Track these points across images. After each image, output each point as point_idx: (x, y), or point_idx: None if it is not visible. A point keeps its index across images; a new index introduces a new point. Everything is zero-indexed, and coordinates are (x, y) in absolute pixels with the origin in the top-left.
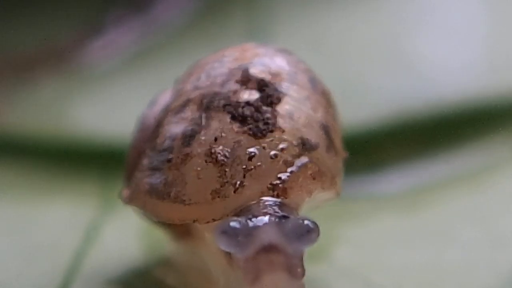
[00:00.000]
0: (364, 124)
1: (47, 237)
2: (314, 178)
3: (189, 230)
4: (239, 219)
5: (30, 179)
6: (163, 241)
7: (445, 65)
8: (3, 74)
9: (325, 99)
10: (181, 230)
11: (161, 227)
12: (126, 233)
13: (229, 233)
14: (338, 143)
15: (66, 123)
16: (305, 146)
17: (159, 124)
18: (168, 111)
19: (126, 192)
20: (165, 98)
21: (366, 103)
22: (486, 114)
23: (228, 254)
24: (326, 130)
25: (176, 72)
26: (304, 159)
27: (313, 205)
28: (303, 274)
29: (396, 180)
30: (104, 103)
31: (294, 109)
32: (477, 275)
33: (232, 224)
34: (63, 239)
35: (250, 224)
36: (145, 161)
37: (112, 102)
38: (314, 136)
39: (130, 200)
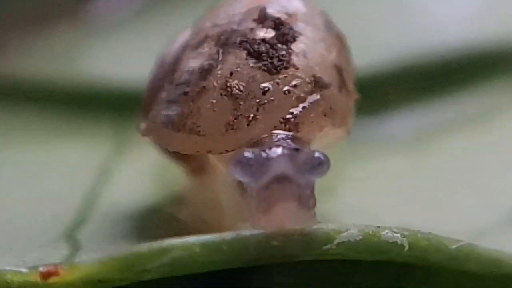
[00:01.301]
0: (369, 69)
1: (61, 177)
2: (325, 115)
3: (203, 164)
4: (253, 150)
5: (44, 123)
6: (175, 180)
7: (447, 14)
8: (19, 26)
9: (339, 41)
10: (195, 165)
11: (176, 161)
12: (138, 174)
13: (243, 163)
14: (351, 84)
15: (79, 70)
16: (317, 84)
17: (177, 59)
18: (187, 47)
19: (143, 125)
20: (184, 36)
21: (370, 49)
22: (487, 59)
23: (241, 186)
24: (338, 70)
25: (185, 21)
26: (316, 96)
27: (324, 143)
28: (313, 204)
29: (400, 123)
30: (116, 50)
31: (309, 48)
32: (482, 211)
33: (247, 154)
34: (78, 180)
35: (264, 155)
36: (163, 95)
37: (124, 49)
38: (327, 75)
39: (147, 132)
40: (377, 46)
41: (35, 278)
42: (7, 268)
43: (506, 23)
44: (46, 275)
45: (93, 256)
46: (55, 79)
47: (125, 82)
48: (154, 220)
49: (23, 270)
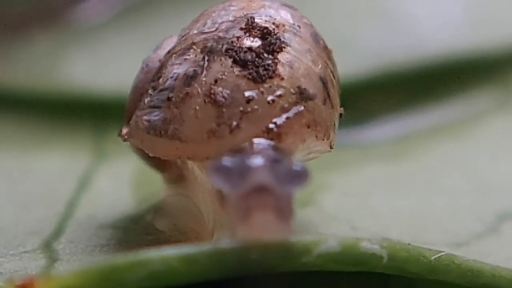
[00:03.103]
0: (351, 76)
1: (41, 186)
2: (308, 127)
3: (183, 172)
4: (234, 157)
5: (25, 131)
6: (154, 190)
7: (430, 21)
8: None
9: (326, 54)
10: (175, 173)
11: (156, 168)
12: (118, 183)
13: (222, 170)
14: (335, 98)
15: (59, 77)
16: (302, 95)
17: (162, 65)
18: (172, 54)
19: (125, 130)
20: (170, 42)
21: (353, 56)
22: (470, 67)
23: (220, 194)
24: (324, 83)
25: (168, 26)
26: (300, 107)
27: (306, 156)
28: (292, 216)
29: (382, 130)
30: (97, 57)
31: (295, 59)
32: (462, 221)
33: (226, 161)
34: (57, 188)
35: (244, 163)
36: (146, 100)
37: (104, 56)
38: (312, 86)
39: (128, 137)
40: (359, 53)
41: None
42: None
43: (490, 30)
44: (22, 287)
45: (69, 267)
46: (34, 86)
47: (106, 89)
48: (133, 230)
49: None
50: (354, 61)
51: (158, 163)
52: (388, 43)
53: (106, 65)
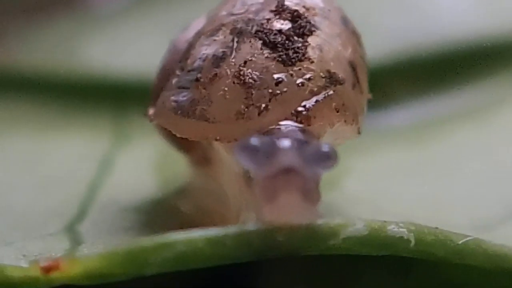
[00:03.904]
0: (371, 59)
1: (62, 169)
2: (337, 111)
3: (208, 154)
4: (261, 137)
5: (45, 114)
6: (178, 172)
7: (451, 6)
8: (17, 15)
9: (355, 39)
10: (200, 154)
11: (181, 150)
12: (140, 166)
13: (249, 150)
14: (364, 83)
15: (79, 60)
16: (331, 79)
17: (190, 46)
18: (201, 35)
19: (151, 110)
20: (198, 23)
21: (373, 40)
22: (491, 51)
23: (247, 176)
24: (353, 67)
25: (187, 10)
26: (329, 91)
27: (333, 141)
28: (318, 199)
29: (403, 114)
30: (116, 40)
31: (324, 43)
32: (485, 206)
33: (254, 140)
34: (78, 171)
35: (272, 144)
36: (174, 81)
37: (124, 39)
38: (341, 71)
39: (155, 117)
40: (379, 37)
41: (36, 272)
42: (7, 262)
43: (510, 15)
44: (47, 269)
45: (94, 249)
46: (54, 69)
47: (125, 72)
48: (156, 213)
49: (24, 264)
50: (375, 45)
51: (183, 144)
52: (409, 27)
53: (125, 47)
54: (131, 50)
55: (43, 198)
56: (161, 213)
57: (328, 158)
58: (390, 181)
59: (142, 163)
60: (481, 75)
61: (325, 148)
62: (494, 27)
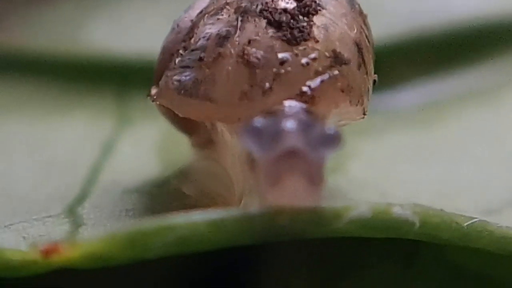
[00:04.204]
0: (378, 41)
1: (64, 152)
2: (342, 91)
3: (211, 135)
4: (266, 119)
5: (47, 96)
6: (181, 154)
7: None
8: None
9: (361, 19)
10: (203, 136)
11: (184, 131)
12: (143, 148)
13: (253, 132)
14: (370, 64)
15: (82, 41)
16: (337, 59)
17: (194, 25)
18: (205, 14)
19: (154, 90)
20: (202, 3)
21: (381, 21)
22: (499, 33)
23: (250, 158)
24: (359, 48)
25: None
26: (335, 71)
27: (338, 122)
28: (322, 183)
29: (410, 96)
30: (118, 22)
31: (330, 23)
32: (491, 189)
33: (258, 123)
34: (80, 154)
35: (276, 126)
36: (177, 60)
37: (126, 21)
38: (347, 51)
39: (158, 97)
40: (387, 18)
41: (35, 256)
42: (6, 246)
43: None
44: (46, 253)
45: (94, 233)
46: (56, 52)
47: (128, 53)
48: (158, 195)
49: (23, 248)
50: (382, 26)
51: (186, 125)
52: (417, 8)
53: (128, 28)
54: (134, 31)
55: (45, 181)
56: (163, 195)
57: (333, 141)
58: (395, 164)
59: (144, 146)
60: (489, 56)
61: (330, 130)
62: (501, 7)
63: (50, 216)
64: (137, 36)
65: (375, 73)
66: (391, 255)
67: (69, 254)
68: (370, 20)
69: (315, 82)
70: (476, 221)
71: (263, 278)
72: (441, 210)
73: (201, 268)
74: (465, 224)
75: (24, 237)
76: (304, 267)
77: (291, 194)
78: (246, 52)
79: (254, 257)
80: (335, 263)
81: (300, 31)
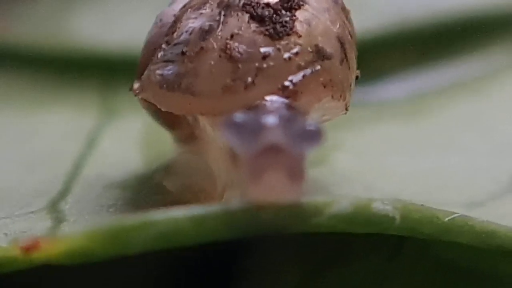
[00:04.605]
0: (365, 33)
1: (47, 145)
2: (324, 86)
3: (195, 131)
4: (246, 114)
5: (30, 89)
6: (164, 149)
7: None
8: None
9: (344, 14)
10: (186, 130)
11: (166, 126)
12: (126, 142)
13: (235, 126)
14: (352, 59)
15: (66, 34)
16: (319, 54)
17: (177, 19)
18: (188, 8)
19: (136, 84)
20: None
21: (367, 12)
22: (486, 24)
23: (232, 153)
24: (341, 43)
25: None
26: (317, 66)
27: (320, 117)
28: (303, 178)
29: (396, 88)
30: (104, 15)
31: (313, 18)
32: (477, 181)
33: (239, 117)
34: (64, 148)
35: (257, 121)
36: (159, 54)
37: (112, 14)
38: (329, 46)
39: (140, 91)
40: (373, 9)
41: (16, 252)
42: None
43: None
44: (27, 249)
45: (76, 228)
46: (41, 44)
47: (113, 47)
48: (141, 190)
49: (3, 244)
50: (369, 17)
51: (169, 120)
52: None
53: (113, 22)
54: (119, 25)
55: (27, 175)
56: (146, 190)
57: (315, 136)
58: (381, 157)
59: (128, 140)
60: (476, 46)
61: (311, 125)
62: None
63: (32, 212)
64: (122, 30)
65: (360, 64)
66: (376, 248)
67: (49, 250)
68: (355, 13)
69: (297, 77)
70: (457, 216)
71: (251, 272)
72: (422, 205)
73: (187, 261)
74: (446, 219)
75: (5, 234)
76: (290, 261)
77: (272, 189)
78: (228, 46)
79: (241, 251)
80: (320, 257)
81: (283, 26)
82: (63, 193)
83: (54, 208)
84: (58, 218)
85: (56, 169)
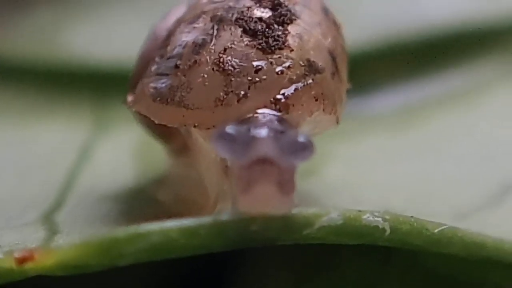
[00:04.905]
0: (355, 45)
1: (41, 157)
2: (316, 99)
3: (187, 142)
4: (238, 126)
5: (24, 101)
6: (157, 161)
7: None
8: None
9: (336, 28)
10: (179, 143)
11: (159, 138)
12: (119, 154)
13: (226, 137)
14: (344, 72)
15: (60, 47)
16: (311, 68)
17: (170, 33)
18: (181, 22)
19: (130, 97)
20: (178, 11)
21: (357, 24)
22: (474, 36)
23: (224, 165)
24: (333, 57)
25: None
26: (308, 80)
27: (311, 130)
28: (293, 190)
29: (386, 100)
30: (97, 28)
31: (305, 32)
32: (466, 193)
33: (230, 129)
34: (57, 160)
35: (249, 133)
36: (153, 67)
37: (105, 27)
38: (321, 60)
39: (134, 104)
40: (363, 21)
41: (10, 263)
42: None
43: (493, 0)
44: (21, 260)
45: (69, 240)
46: (34, 57)
47: (106, 59)
48: (134, 202)
49: None
50: (358, 30)
51: (162, 132)
52: (392, 11)
53: (106, 35)
54: (112, 38)
55: (21, 187)
56: (139, 202)
57: (305, 149)
58: (371, 168)
59: (121, 152)
60: (464, 59)
61: (301, 138)
62: (477, 12)
63: (26, 224)
64: (115, 43)
65: (351, 77)
66: (367, 257)
67: (43, 261)
68: (346, 25)
69: (289, 90)
70: (446, 227)
71: (242, 279)
72: (412, 217)
73: (179, 270)
74: (436, 231)
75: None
76: (281, 268)
77: (262, 201)
78: (221, 59)
79: (232, 258)
80: (311, 265)
81: (275, 40)
82: (57, 205)
83: (47, 219)
84: (52, 230)
85: (49, 181)
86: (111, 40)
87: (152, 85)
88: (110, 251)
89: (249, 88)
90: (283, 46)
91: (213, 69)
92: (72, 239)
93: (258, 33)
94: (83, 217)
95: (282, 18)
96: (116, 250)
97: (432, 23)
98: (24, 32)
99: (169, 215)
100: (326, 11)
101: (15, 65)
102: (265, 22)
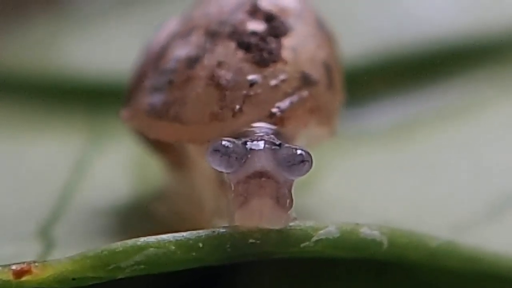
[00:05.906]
0: (350, 59)
1: (36, 171)
2: (311, 112)
3: (183, 157)
4: (234, 139)
5: (19, 115)
6: (153, 175)
7: (432, 3)
8: None
9: (330, 40)
10: (174, 157)
11: (155, 153)
12: (115, 168)
13: (221, 152)
14: (339, 85)
15: (55, 61)
16: (305, 80)
17: (164, 47)
18: (175, 36)
19: (125, 112)
20: (172, 24)
21: (352, 38)
22: (470, 52)
23: (220, 179)
24: (328, 69)
25: (163, 12)
26: (303, 93)
27: (307, 143)
28: (290, 204)
29: (382, 114)
30: (92, 42)
31: (299, 44)
32: (464, 206)
33: (225, 142)
34: (52, 173)
35: (245, 146)
36: (147, 82)
37: (100, 41)
38: (315, 72)
39: (128, 119)
40: (357, 37)
41: (8, 276)
42: None
43: (494, 13)
44: (18, 274)
45: (66, 253)
46: (30, 70)
47: (101, 74)
48: (130, 216)
49: None
50: (354, 43)
51: (158, 147)
52: (388, 25)
53: (101, 49)
54: (107, 52)
55: (17, 201)
56: (135, 216)
57: (302, 162)
58: (368, 181)
59: (117, 166)
60: (461, 74)
61: (299, 151)
62: (473, 26)
63: (22, 237)
64: (110, 57)
65: (347, 91)
66: (362, 270)
67: (41, 275)
68: (342, 39)
69: (284, 104)
70: (444, 241)
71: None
72: (410, 230)
73: (175, 279)
74: (434, 245)
75: None
76: (276, 281)
77: (259, 215)
78: (215, 74)
79: (228, 268)
80: (306, 278)
81: (269, 53)
82: (53, 219)
83: (44, 233)
84: (48, 243)
85: (44, 195)
86: (106, 54)
87: (146, 100)
88: (108, 264)
89: (244, 102)
90: (277, 59)
91: (207, 83)
92: (69, 253)
93: (252, 46)
94: (79, 230)
95: (275, 31)
96: (114, 263)
97: (428, 36)
98: (18, 46)
99: (165, 229)
100: (320, 23)
101: (10, 78)
102: (259, 35)
